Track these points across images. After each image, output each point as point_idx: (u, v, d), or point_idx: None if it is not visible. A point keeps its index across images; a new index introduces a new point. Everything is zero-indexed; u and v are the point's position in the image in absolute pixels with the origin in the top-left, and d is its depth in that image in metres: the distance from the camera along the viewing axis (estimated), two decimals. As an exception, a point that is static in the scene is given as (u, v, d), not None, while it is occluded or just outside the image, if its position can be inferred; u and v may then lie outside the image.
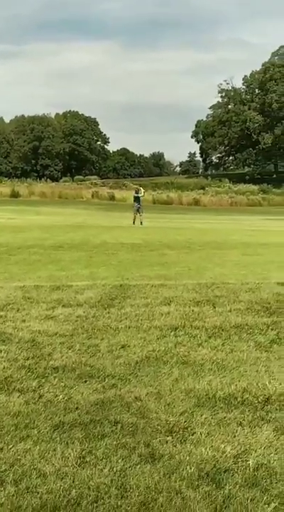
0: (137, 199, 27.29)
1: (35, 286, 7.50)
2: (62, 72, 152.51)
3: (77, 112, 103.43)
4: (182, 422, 3.34)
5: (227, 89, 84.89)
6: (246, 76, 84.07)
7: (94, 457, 2.89)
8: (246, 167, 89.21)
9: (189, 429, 3.26)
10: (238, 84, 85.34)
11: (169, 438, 3.14)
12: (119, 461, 2.85)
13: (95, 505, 2.46)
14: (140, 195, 27.80)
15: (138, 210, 26.79)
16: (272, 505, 2.50)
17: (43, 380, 3.97)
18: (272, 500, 2.54)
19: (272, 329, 5.50)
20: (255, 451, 2.99)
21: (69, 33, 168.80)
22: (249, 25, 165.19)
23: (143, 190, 28.93)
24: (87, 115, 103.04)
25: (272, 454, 2.96)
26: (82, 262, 10.60)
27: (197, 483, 2.67)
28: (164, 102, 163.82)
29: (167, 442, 3.09)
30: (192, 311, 6.29)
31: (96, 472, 2.74)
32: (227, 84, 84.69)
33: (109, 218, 28.28)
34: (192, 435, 3.18)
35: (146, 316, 5.99)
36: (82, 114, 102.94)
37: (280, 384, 3.97)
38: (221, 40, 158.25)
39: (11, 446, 2.98)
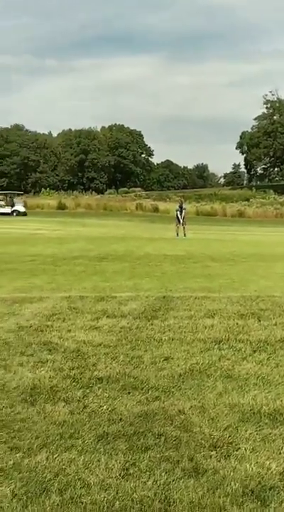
0: (180, 211, 27.30)
1: (80, 297, 7.61)
2: (107, 86, 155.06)
3: (122, 125, 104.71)
4: (226, 437, 3.30)
5: (272, 100, 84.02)
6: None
7: (137, 469, 2.89)
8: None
9: (233, 444, 3.22)
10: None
11: (213, 453, 3.11)
12: (163, 474, 2.84)
13: (139, 517, 2.46)
14: (183, 207, 27.83)
15: (181, 222, 26.77)
16: None
17: (88, 391, 4.01)
18: None
19: None
20: (302, 469, 2.92)
21: (114, 48, 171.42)
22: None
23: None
24: (132, 128, 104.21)
25: None
26: (125, 273, 10.67)
27: (241, 499, 2.63)
28: (208, 113, 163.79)
29: (211, 457, 3.06)
30: (237, 324, 6.22)
31: (139, 485, 2.74)
32: (272, 95, 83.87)
33: (153, 230, 28.39)
34: (237, 451, 3.14)
35: (190, 329, 5.96)
36: (127, 127, 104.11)
37: None
38: (266, 51, 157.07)
39: (56, 455, 3.02)
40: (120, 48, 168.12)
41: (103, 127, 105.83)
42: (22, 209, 47.05)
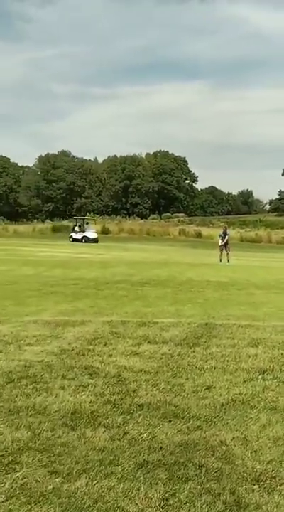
0: (223, 237, 27.14)
1: (122, 322, 7.62)
2: (152, 112, 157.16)
3: (166, 151, 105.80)
4: (269, 471, 3.19)
5: None
6: None
7: (177, 500, 2.84)
8: None
9: (277, 478, 3.11)
10: None
11: (255, 487, 3.01)
12: (203, 506, 2.77)
13: None
14: (227, 233, 27.67)
15: (225, 248, 26.59)
16: None
17: (128, 417, 3.98)
18: None
19: None
20: None
21: (159, 75, 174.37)
22: None
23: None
24: (177, 154, 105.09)
25: None
26: (167, 298, 10.64)
27: (285, 538, 2.53)
28: (253, 139, 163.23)
29: (253, 491, 2.96)
30: (281, 354, 6.07)
31: (179, 516, 2.68)
32: None
33: (195, 255, 28.30)
34: (280, 486, 3.03)
35: (233, 357, 5.86)
36: (172, 154, 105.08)
37: None
38: None
39: (95, 481, 3.00)
40: (165, 75, 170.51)
41: (148, 154, 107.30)
42: (92, 235, 44.17)
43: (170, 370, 5.28)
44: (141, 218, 77.33)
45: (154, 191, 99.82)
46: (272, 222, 67.05)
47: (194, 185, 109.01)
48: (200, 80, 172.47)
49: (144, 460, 3.28)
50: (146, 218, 79.26)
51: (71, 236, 44.55)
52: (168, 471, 3.16)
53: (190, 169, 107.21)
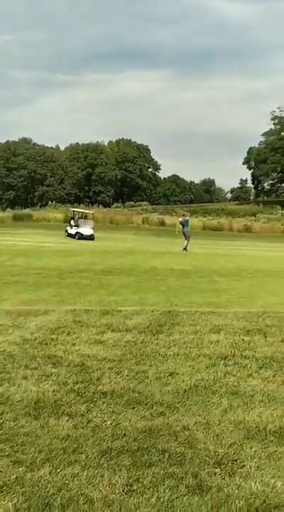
0: (185, 224, 27.24)
1: (86, 311, 7.60)
2: (115, 100, 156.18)
3: (129, 139, 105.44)
4: (231, 454, 3.27)
5: (280, 117, 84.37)
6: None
7: (141, 485, 2.87)
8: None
9: (238, 461, 3.19)
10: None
11: (217, 470, 3.08)
12: (166, 491, 2.81)
13: (141, 535, 2.43)
14: (187, 218, 27.73)
15: (186, 235, 26.69)
16: None
17: (92, 405, 3.99)
18: None
19: None
20: (308, 488, 2.88)
21: (123, 63, 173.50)
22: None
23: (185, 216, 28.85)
24: (139, 143, 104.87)
25: None
26: (131, 287, 10.66)
27: (246, 518, 2.59)
28: (215, 129, 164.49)
29: (215, 474, 3.03)
30: (242, 340, 6.19)
31: (143, 501, 2.71)
32: (280, 111, 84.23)
33: (159, 244, 28.42)
34: (241, 468, 3.11)
35: (195, 344, 5.94)
36: (134, 142, 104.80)
37: None
38: (274, 67, 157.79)
39: (59, 470, 3.00)
40: (129, 64, 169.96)
41: (110, 141, 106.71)
42: (87, 231, 36.23)
43: (134, 358, 5.31)
44: (104, 207, 76.98)
45: (117, 179, 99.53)
46: (233, 211, 67.90)
47: (157, 173, 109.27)
48: (164, 69, 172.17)
49: (108, 447, 3.30)
50: (110, 207, 78.97)
51: (66, 230, 38.58)
52: (132, 457, 3.19)
53: (153, 157, 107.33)
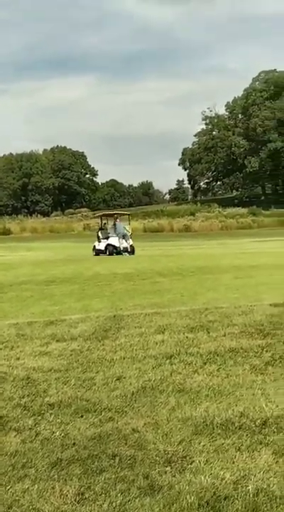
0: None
1: (29, 323, 7.48)
2: (46, 108, 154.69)
3: (64, 146, 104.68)
4: (180, 452, 3.32)
5: (211, 116, 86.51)
6: (228, 102, 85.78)
7: (92, 493, 2.86)
8: (234, 191, 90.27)
9: (187, 458, 3.24)
10: (222, 110, 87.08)
11: (168, 468, 3.12)
12: (118, 495, 2.82)
13: None
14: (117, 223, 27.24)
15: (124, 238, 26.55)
16: (274, 530, 2.48)
17: (39, 418, 3.94)
18: (274, 525, 2.51)
19: (266, 351, 5.50)
20: (255, 475, 2.98)
21: (50, 70, 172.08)
22: (230, 51, 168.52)
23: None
24: (75, 149, 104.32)
25: (271, 478, 2.95)
26: (74, 295, 10.60)
27: (197, 512, 2.64)
28: (149, 131, 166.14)
29: (166, 473, 3.06)
30: (187, 337, 6.29)
31: (95, 508, 2.71)
32: (210, 111, 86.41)
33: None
34: (191, 464, 3.16)
35: (141, 346, 5.98)
36: (70, 149, 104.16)
37: (277, 406, 3.97)
38: (203, 67, 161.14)
39: (8, 487, 2.95)
40: (56, 70, 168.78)
41: (45, 150, 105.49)
42: (124, 243, 26.43)
43: (80, 366, 5.28)
44: (44, 216, 76.05)
45: (55, 187, 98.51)
46: (172, 212, 68.88)
47: (94, 179, 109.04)
48: (92, 74, 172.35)
49: (57, 458, 3.27)
50: (49, 216, 78.10)
51: (94, 247, 27.81)
52: (82, 465, 3.17)
53: (89, 163, 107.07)
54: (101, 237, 27.58)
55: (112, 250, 25.91)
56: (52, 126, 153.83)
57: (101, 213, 34.90)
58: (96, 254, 26.84)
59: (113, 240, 26.25)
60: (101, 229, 29.18)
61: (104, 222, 30.99)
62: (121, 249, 26.02)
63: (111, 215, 30.89)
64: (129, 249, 26.03)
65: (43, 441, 3.54)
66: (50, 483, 2.97)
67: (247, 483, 2.90)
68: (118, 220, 28.07)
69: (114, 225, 27.68)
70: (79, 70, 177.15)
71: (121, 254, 25.73)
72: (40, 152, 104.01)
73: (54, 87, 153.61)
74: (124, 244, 26.19)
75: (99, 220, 31.43)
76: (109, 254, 25.62)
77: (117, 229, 26.88)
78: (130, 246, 26.29)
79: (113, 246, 26.06)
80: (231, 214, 63.65)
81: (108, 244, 26.28)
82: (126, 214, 33.68)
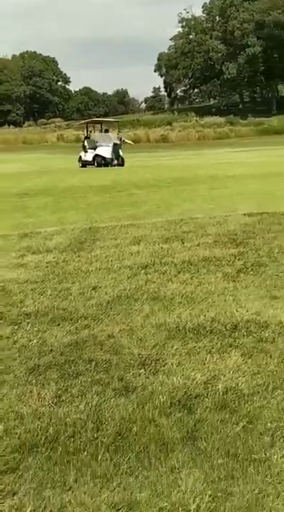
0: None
1: (3, 236, 7.43)
2: (14, 10, 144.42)
3: (34, 52, 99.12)
4: (153, 355, 3.44)
5: (187, 18, 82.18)
6: (205, 3, 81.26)
7: (69, 395, 2.98)
8: (211, 99, 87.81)
9: (160, 360, 3.37)
10: (199, 12, 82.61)
11: (142, 371, 3.25)
12: (94, 396, 2.95)
13: (72, 439, 2.56)
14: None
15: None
16: (241, 424, 2.64)
17: (16, 327, 4.01)
18: (241, 420, 2.67)
19: (238, 259, 5.61)
20: (224, 375, 3.12)
21: None
22: None
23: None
24: (45, 55, 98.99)
25: (240, 378, 3.10)
26: (49, 207, 10.49)
27: (169, 410, 2.79)
28: (124, 35, 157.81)
29: (140, 375, 3.19)
30: (161, 248, 6.35)
31: (72, 409, 2.83)
32: (187, 12, 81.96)
33: (76, 162, 27.71)
34: (164, 366, 3.29)
35: (116, 257, 6.03)
36: (40, 54, 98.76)
37: (247, 311, 4.10)
38: None
39: (-13, 393, 3.04)
40: None
41: (14, 55, 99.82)
42: (108, 152, 24.82)
43: (56, 277, 5.33)
44: (16, 126, 73.40)
45: (26, 96, 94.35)
46: (149, 121, 67.05)
47: (67, 86, 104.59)
48: None
49: (35, 364, 3.37)
50: (21, 126, 75.40)
51: (80, 158, 26.40)
52: (59, 370, 3.28)
53: (62, 70, 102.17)
54: (87, 146, 25.83)
55: (101, 161, 24.41)
56: (21, 29, 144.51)
57: (88, 120, 32.73)
58: (82, 166, 25.34)
59: (102, 150, 24.52)
60: (87, 138, 27.28)
61: (89, 130, 28.86)
62: (110, 160, 24.59)
63: (98, 123, 29.58)
64: (120, 161, 24.85)
65: (21, 348, 3.63)
66: (28, 388, 3.08)
67: (217, 382, 3.05)
68: (109, 130, 26.72)
69: (106, 131, 26.48)
70: None
71: (111, 165, 24.49)
72: (9, 58, 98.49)
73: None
74: (114, 154, 24.74)
75: (84, 129, 29.37)
76: (98, 166, 24.12)
77: (108, 138, 25.25)
78: (121, 158, 24.85)
79: (102, 157, 24.50)
80: (209, 123, 62.30)
81: (96, 155, 24.73)
82: (115, 122, 32.30)
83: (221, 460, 2.36)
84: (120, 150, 25.26)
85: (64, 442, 2.53)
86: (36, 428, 2.65)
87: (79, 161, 26.23)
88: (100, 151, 24.46)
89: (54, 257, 6.13)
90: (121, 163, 24.60)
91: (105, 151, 24.35)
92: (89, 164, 25.17)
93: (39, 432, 2.62)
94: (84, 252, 6.37)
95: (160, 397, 2.91)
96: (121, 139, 26.26)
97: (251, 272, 5.17)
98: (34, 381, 3.16)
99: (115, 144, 25.03)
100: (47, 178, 17.96)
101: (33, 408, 2.85)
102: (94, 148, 25.12)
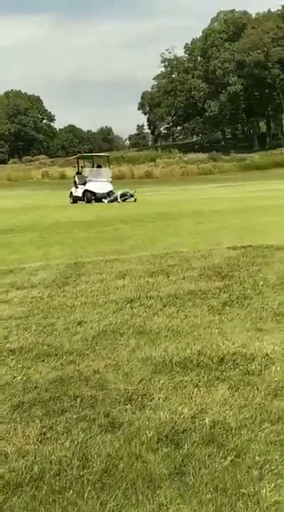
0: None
1: (-13, 272, 7.39)
2: (1, 49, 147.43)
3: (19, 90, 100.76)
4: (140, 390, 3.41)
5: (170, 59, 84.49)
6: (187, 44, 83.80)
7: (54, 432, 2.93)
8: (194, 136, 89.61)
9: (147, 395, 3.33)
10: (181, 52, 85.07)
11: (128, 406, 3.20)
12: (80, 433, 2.89)
13: (58, 477, 2.50)
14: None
15: None
16: (229, 458, 2.60)
17: (0, 364, 3.95)
18: (229, 454, 2.64)
19: (224, 292, 5.63)
20: (211, 409, 3.10)
21: (4, 9, 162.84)
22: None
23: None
24: (30, 93, 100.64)
25: (227, 411, 3.07)
26: (34, 243, 10.49)
27: (156, 446, 2.75)
28: (107, 75, 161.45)
29: (126, 410, 3.15)
30: (147, 282, 6.36)
31: (57, 447, 2.77)
32: (169, 53, 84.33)
33: (61, 197, 27.89)
34: (151, 401, 3.25)
35: (102, 291, 6.01)
36: (25, 93, 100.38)
37: (234, 344, 4.10)
38: (160, 8, 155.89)
39: None
40: (8, 10, 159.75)
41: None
42: (102, 187, 24.30)
43: (41, 312, 5.29)
44: (0, 164, 73.92)
45: (11, 134, 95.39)
46: (133, 158, 68.04)
47: (52, 124, 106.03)
48: (46, 13, 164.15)
49: (19, 401, 3.31)
50: (6, 163, 75.96)
51: (71, 194, 26.10)
52: (44, 407, 3.23)
53: (46, 108, 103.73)
54: (78, 182, 25.28)
55: (90, 197, 23.74)
56: (5, 69, 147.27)
57: (78, 155, 32.23)
58: (73, 202, 24.80)
59: (92, 186, 23.80)
60: (78, 173, 26.58)
61: (81, 165, 27.93)
62: (100, 195, 24.02)
63: (88, 158, 29.41)
64: (111, 196, 24.08)
65: (4, 386, 3.57)
66: (12, 426, 3.01)
67: (204, 416, 3.02)
68: (100, 165, 26.36)
69: (99, 167, 26.11)
70: (34, 10, 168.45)
71: (101, 201, 23.90)
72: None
73: (6, 26, 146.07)
74: (104, 190, 24.13)
75: (72, 165, 29.12)
76: (87, 202, 23.60)
77: (101, 174, 24.87)
78: (111, 192, 24.20)
79: (92, 192, 23.74)
80: (192, 160, 63.39)
81: (85, 190, 24.06)
82: (105, 156, 31.56)
83: (210, 495, 2.32)
84: (111, 185, 25.01)
85: (49, 481, 2.47)
86: (21, 467, 2.59)
87: (70, 196, 25.92)
88: (90, 186, 23.78)
89: (39, 293, 6.09)
90: (112, 200, 23.95)
91: (95, 187, 23.90)
92: (79, 200, 24.68)
93: (23, 470, 2.55)
94: (69, 286, 6.35)
95: (147, 432, 2.87)
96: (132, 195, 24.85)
97: (237, 305, 5.18)
98: (18, 418, 3.10)
99: (106, 181, 24.71)
100: (32, 214, 18.02)
101: (18, 446, 2.79)
102: (84, 184, 24.63)
